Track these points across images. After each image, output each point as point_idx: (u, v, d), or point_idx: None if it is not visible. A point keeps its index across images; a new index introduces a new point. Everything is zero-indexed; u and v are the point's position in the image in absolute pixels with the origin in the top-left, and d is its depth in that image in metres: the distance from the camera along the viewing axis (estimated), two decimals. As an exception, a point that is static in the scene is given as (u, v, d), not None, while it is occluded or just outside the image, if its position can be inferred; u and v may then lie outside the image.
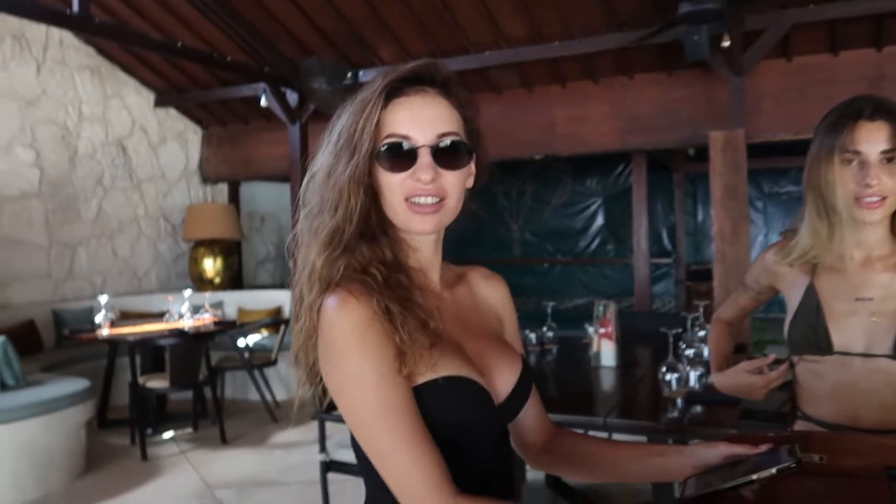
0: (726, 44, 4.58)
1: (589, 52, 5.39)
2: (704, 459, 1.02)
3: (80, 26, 4.84)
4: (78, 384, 4.29)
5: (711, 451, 1.02)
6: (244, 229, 7.52)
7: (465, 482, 0.90)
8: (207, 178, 7.70)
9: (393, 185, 0.93)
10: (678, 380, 2.46)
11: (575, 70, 5.86)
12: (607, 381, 2.94)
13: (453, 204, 0.96)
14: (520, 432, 1.14)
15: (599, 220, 9.21)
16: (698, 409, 2.42)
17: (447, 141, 0.93)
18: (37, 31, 5.99)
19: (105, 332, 4.86)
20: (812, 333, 1.40)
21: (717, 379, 1.63)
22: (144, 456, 4.46)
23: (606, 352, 3.08)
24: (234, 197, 7.90)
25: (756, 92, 5.18)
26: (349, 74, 6.13)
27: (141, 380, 4.73)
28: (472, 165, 1.01)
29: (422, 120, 0.93)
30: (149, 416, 4.92)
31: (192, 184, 7.62)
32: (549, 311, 3.76)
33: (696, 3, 3.17)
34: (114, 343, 4.98)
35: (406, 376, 0.89)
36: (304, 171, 1.03)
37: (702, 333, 3.04)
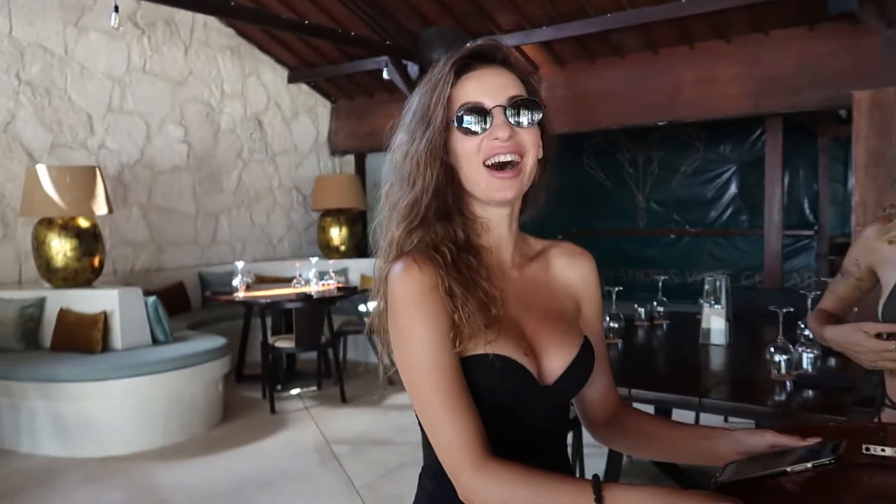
0: (877, -8, 4.11)
1: (720, 9, 5.04)
2: (750, 446, 1.00)
3: (219, 10, 5.20)
4: (217, 341, 4.72)
5: (757, 439, 1.00)
6: (369, 199, 7.83)
7: (509, 453, 0.92)
8: (336, 150, 8.06)
9: (470, 150, 0.98)
10: (788, 361, 2.31)
11: (704, 29, 5.50)
12: (715, 359, 2.81)
13: (531, 164, 1.00)
14: (584, 407, 1.17)
15: (732, 189, 8.64)
16: (809, 393, 2.27)
17: (517, 101, 0.99)
18: (184, 15, 6.49)
19: (241, 294, 5.29)
20: None
21: (828, 332, 1.46)
22: (273, 409, 4.85)
23: (716, 329, 2.94)
24: (360, 168, 8.22)
25: (915, 45, 4.61)
26: (469, 44, 6.13)
27: (271, 340, 5.12)
28: (540, 136, 1.03)
29: (491, 86, 0.98)
30: (278, 373, 5.32)
31: (322, 156, 8.02)
32: (660, 284, 3.63)
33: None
34: (248, 305, 5.41)
35: (456, 342, 0.94)
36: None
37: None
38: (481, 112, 0.97)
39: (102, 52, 5.97)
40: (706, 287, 2.99)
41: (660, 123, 6.35)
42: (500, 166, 0.98)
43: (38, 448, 4.14)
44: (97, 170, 4.94)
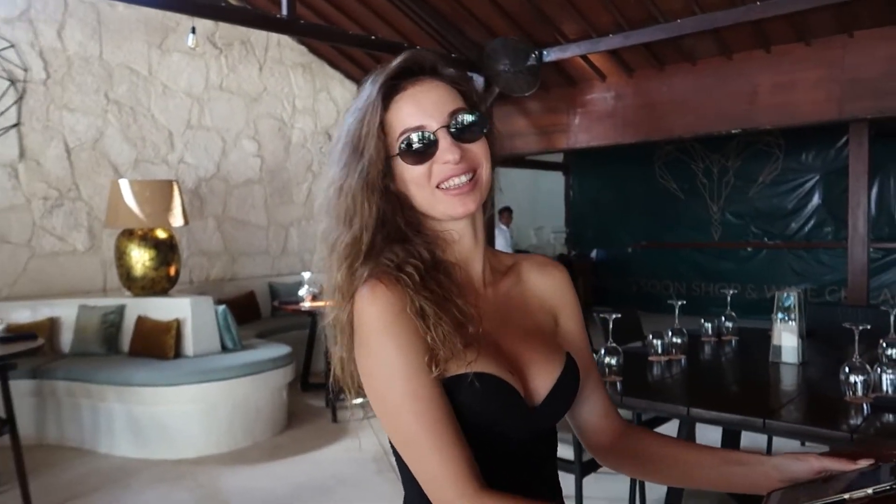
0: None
1: (799, 10, 4.80)
2: (793, 473, 0.91)
3: (288, 29, 5.37)
4: (282, 350, 4.83)
5: (802, 465, 0.91)
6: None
7: (498, 481, 0.87)
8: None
9: (420, 177, 0.92)
10: (864, 383, 2.15)
11: (782, 31, 5.26)
12: (785, 378, 2.65)
13: (486, 174, 0.94)
14: (583, 431, 1.10)
15: (815, 199, 8.21)
16: (890, 417, 2.10)
17: (460, 116, 0.92)
18: (259, 34, 6.75)
19: (307, 304, 5.41)
20: None
21: None
22: (335, 418, 4.91)
23: (788, 346, 2.77)
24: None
25: None
26: (534, 54, 6.10)
27: (335, 348, 5.19)
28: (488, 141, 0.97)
29: (428, 106, 0.92)
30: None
31: (390, 168, 8.12)
32: (728, 298, 3.46)
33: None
34: (314, 315, 5.52)
35: (436, 373, 0.87)
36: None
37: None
38: (424, 136, 0.91)
39: (183, 72, 6.27)
40: (777, 301, 2.83)
41: (734, 132, 6.11)
42: (456, 186, 0.92)
43: (114, 448, 4.34)
44: (175, 183, 5.17)
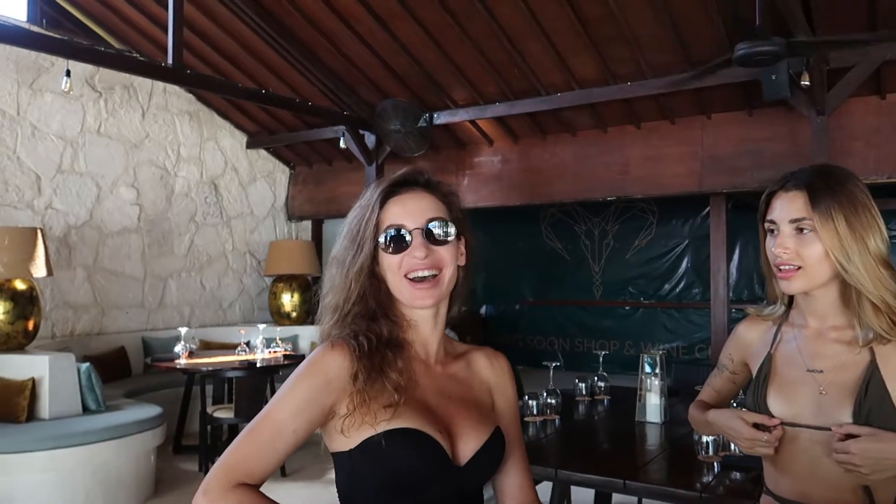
0: (806, 83, 4.34)
1: (664, 92, 5.26)
2: None
3: (174, 78, 5.24)
4: (151, 411, 4.54)
5: None
6: (324, 266, 7.78)
7: None
8: (293, 215, 8.05)
9: (394, 265, 1.12)
10: (714, 443, 2.30)
11: (650, 110, 5.73)
12: (650, 438, 2.79)
13: (449, 275, 1.14)
14: (501, 498, 1.25)
15: (685, 263, 8.83)
16: (737, 475, 2.24)
17: (435, 223, 1.13)
18: (144, 80, 6.53)
19: (182, 361, 5.13)
20: (755, 402, 1.36)
21: (712, 414, 1.52)
22: (208, 484, 4.62)
23: (651, 406, 2.92)
24: (317, 234, 8.21)
25: (845, 132, 4.86)
26: (424, 116, 6.28)
27: (210, 409, 4.94)
28: (462, 245, 1.18)
29: (412, 209, 1.13)
30: (216, 445, 5.11)
31: (279, 221, 7.99)
32: (601, 358, 3.62)
33: (753, 45, 3.01)
34: (189, 373, 5.25)
35: (350, 425, 1.06)
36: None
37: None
38: (401, 233, 1.12)
39: (56, 114, 5.94)
40: (641, 362, 2.99)
41: (609, 199, 6.51)
42: (420, 279, 1.11)
43: (-53, 526, 3.87)
44: (39, 231, 4.83)
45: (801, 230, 1.29)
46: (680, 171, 5.73)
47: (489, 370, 1.26)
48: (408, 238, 1.12)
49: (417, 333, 1.17)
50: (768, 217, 1.35)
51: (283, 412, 1.04)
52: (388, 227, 1.12)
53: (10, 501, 3.85)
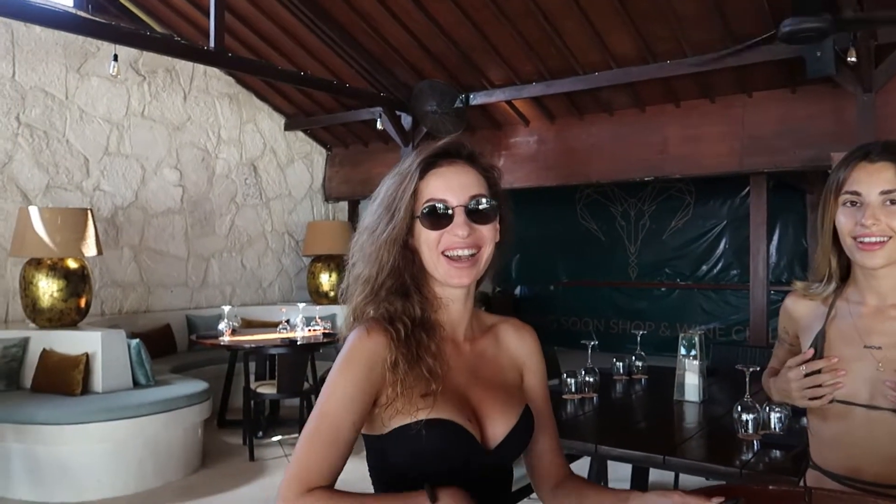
0: (852, 59, 4.23)
1: (704, 70, 5.18)
2: None
3: (215, 61, 5.35)
4: (198, 386, 4.70)
5: (665, 501, 1.04)
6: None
7: None
8: (329, 196, 8.16)
9: (432, 241, 1.09)
10: (754, 421, 2.31)
11: (689, 88, 5.65)
12: (688, 416, 2.81)
13: (487, 255, 1.12)
14: (533, 470, 1.27)
15: (723, 244, 8.72)
16: (777, 453, 2.26)
17: (477, 201, 1.10)
18: (185, 63, 6.65)
19: (226, 339, 5.28)
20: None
21: (768, 384, 1.57)
22: (252, 456, 4.79)
23: (690, 386, 2.94)
24: (353, 214, 8.30)
25: (892, 109, 4.73)
26: (460, 97, 6.29)
27: (253, 385, 5.10)
28: (497, 222, 1.15)
29: (454, 185, 1.09)
30: (259, 419, 5.27)
31: (316, 202, 8.11)
32: (638, 338, 3.64)
33: (799, 22, 2.95)
34: (233, 349, 5.40)
35: (389, 414, 1.06)
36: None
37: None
38: (444, 209, 1.08)
39: (103, 97, 6.10)
40: (680, 342, 3.00)
41: (647, 179, 6.45)
42: (458, 258, 1.09)
43: (10, 491, 4.08)
44: (89, 212, 5.00)
45: (892, 202, 1.27)
46: (720, 150, 5.65)
47: (517, 343, 1.25)
48: (450, 214, 1.08)
49: (448, 313, 1.15)
50: (848, 189, 1.31)
51: (337, 407, 1.03)
52: (429, 201, 1.09)
53: (68, 470, 4.05)
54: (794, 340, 1.54)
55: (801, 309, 1.48)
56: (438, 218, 1.08)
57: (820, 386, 1.32)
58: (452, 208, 1.08)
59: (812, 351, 1.36)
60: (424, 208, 1.08)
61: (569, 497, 1.21)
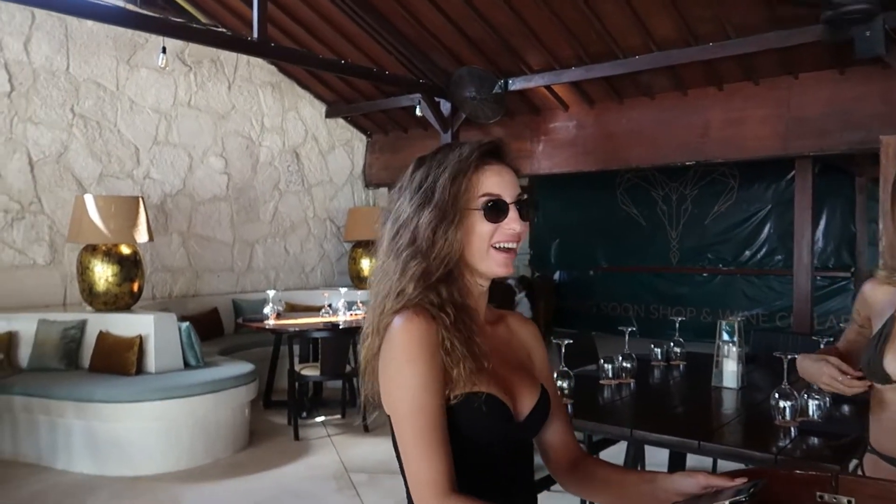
0: (903, 38, 4.11)
1: (748, 52, 5.09)
2: (685, 488, 1.09)
3: (259, 51, 5.46)
4: (244, 367, 4.87)
5: (690, 481, 1.08)
6: (401, 231, 7.96)
7: (490, 483, 1.12)
8: (370, 182, 8.26)
9: (486, 233, 1.14)
10: (792, 408, 2.32)
11: (733, 71, 5.55)
12: (726, 402, 2.82)
13: (519, 247, 1.20)
14: (546, 452, 1.32)
15: (767, 229, 8.55)
16: (814, 441, 2.27)
17: (526, 200, 1.19)
18: (229, 53, 6.81)
19: (271, 322, 5.45)
20: (872, 360, 1.36)
21: (799, 359, 1.63)
22: (297, 436, 4.96)
23: (728, 372, 2.94)
24: (393, 200, 8.38)
25: (946, 90, 4.58)
26: (499, 83, 6.29)
27: (297, 367, 5.25)
28: None
29: (507, 183, 1.17)
30: (303, 400, 5.44)
31: (357, 188, 8.23)
32: (677, 324, 3.64)
33: (841, 5, 2.88)
34: (277, 333, 5.57)
35: (448, 392, 1.09)
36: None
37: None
38: (503, 205, 1.15)
39: (151, 88, 6.30)
40: (719, 329, 3.01)
41: (688, 163, 6.37)
42: (505, 249, 1.15)
43: (72, 465, 4.32)
44: (140, 200, 5.19)
45: None
46: (764, 133, 5.55)
47: (523, 333, 1.32)
48: (506, 210, 1.14)
49: (474, 299, 1.20)
50: None
51: (426, 398, 1.05)
52: (488, 195, 1.14)
53: (123, 445, 4.26)
54: (864, 322, 1.57)
55: (878, 295, 1.50)
56: (497, 212, 1.14)
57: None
58: (508, 204, 1.15)
59: (859, 374, 1.39)
60: (488, 202, 1.13)
61: (590, 478, 1.25)
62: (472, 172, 1.14)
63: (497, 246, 1.15)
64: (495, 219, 1.14)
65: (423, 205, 1.13)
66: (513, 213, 1.15)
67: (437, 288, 1.13)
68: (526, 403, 1.19)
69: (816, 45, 4.84)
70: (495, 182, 1.15)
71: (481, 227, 1.14)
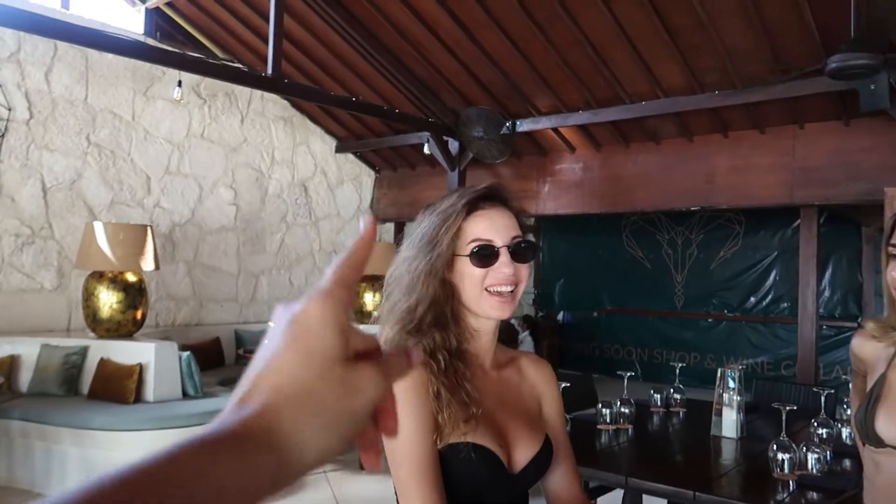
0: (907, 93, 4.16)
1: (753, 101, 5.15)
2: None
3: (273, 87, 5.57)
4: (243, 399, 4.84)
5: None
6: (406, 267, 7.99)
7: None
8: (377, 217, 8.31)
9: (477, 277, 1.16)
10: (791, 461, 2.29)
11: (738, 119, 5.61)
12: (725, 452, 2.79)
13: (522, 289, 1.19)
14: (549, 497, 1.31)
15: (773, 276, 8.53)
16: (813, 495, 2.23)
17: (519, 242, 1.18)
18: (243, 87, 6.94)
19: (272, 354, 5.43)
20: (864, 422, 1.33)
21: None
22: (292, 471, 4.89)
23: (728, 421, 2.92)
24: (399, 236, 8.44)
25: (950, 144, 4.61)
26: (507, 124, 6.38)
27: (297, 400, 5.22)
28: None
29: (499, 227, 1.18)
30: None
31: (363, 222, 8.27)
32: (677, 370, 3.61)
33: (846, 59, 2.94)
34: (278, 365, 5.54)
35: (436, 439, 1.10)
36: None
37: (849, 412, 2.78)
38: (491, 249, 1.16)
39: (166, 119, 6.42)
40: (719, 377, 2.99)
41: (693, 209, 6.40)
42: (499, 293, 1.16)
43: (64, 493, 4.27)
44: (149, 228, 5.25)
45: None
46: (769, 181, 5.58)
47: (536, 374, 1.30)
48: (496, 254, 1.15)
49: (478, 343, 1.21)
50: (892, 241, 1.31)
51: (418, 440, 1.07)
52: (476, 241, 1.15)
53: (118, 475, 4.22)
54: (864, 374, 1.54)
55: (866, 349, 1.48)
56: (486, 257, 1.15)
57: None
58: (498, 248, 1.16)
59: None
60: (474, 247, 1.15)
61: None
62: (462, 218, 1.16)
63: (490, 290, 1.16)
64: (483, 263, 1.15)
65: (419, 250, 1.17)
66: (504, 256, 1.15)
67: (430, 332, 1.14)
68: (523, 454, 1.18)
69: (823, 95, 4.91)
70: (485, 227, 1.17)
71: (471, 271, 1.16)
